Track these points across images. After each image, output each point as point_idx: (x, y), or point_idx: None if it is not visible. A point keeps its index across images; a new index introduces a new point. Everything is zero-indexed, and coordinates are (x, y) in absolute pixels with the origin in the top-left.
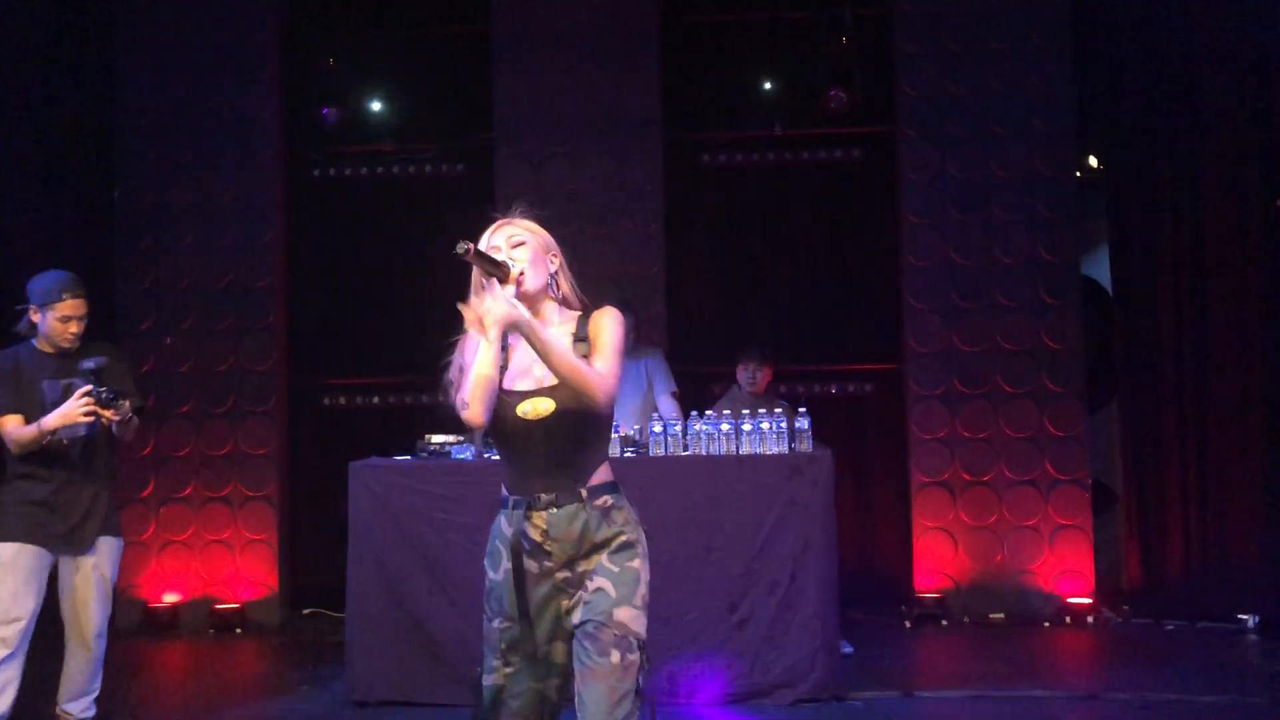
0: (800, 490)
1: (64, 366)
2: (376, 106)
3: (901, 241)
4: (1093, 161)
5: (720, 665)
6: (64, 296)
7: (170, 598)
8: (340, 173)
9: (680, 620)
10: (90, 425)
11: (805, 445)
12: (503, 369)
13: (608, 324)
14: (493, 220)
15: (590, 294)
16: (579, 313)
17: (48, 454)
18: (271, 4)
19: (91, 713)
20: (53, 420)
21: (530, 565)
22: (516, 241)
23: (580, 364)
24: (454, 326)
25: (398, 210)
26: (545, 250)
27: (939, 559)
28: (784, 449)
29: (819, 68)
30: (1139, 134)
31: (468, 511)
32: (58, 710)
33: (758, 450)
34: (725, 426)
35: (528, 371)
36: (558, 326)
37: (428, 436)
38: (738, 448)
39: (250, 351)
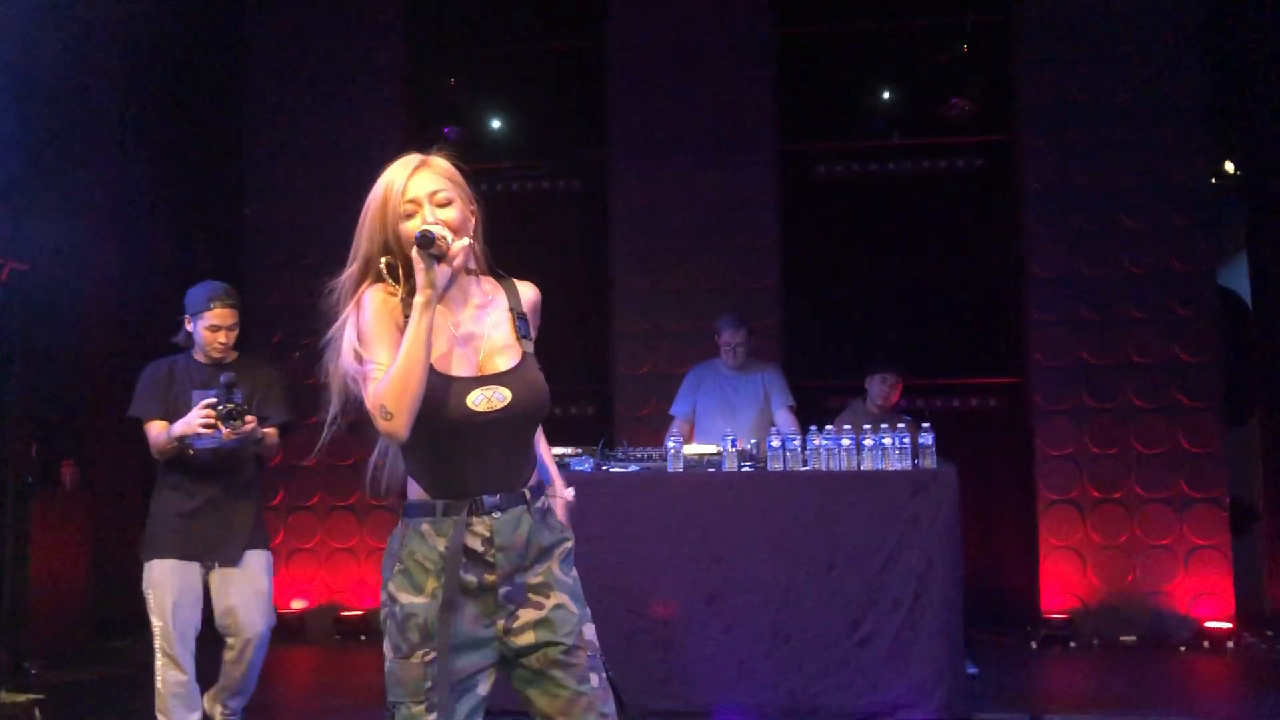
0: (924, 507)
1: (216, 377)
2: (495, 124)
3: (1025, 252)
4: (1229, 167)
5: (842, 684)
6: (212, 305)
7: (298, 604)
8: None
9: (800, 638)
10: (231, 439)
11: (929, 461)
12: None
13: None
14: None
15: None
16: (494, 280)
17: (191, 466)
18: (394, 26)
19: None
20: (177, 428)
21: (467, 581)
22: (443, 199)
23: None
24: (574, 337)
25: (515, 226)
26: (469, 207)
27: (1067, 579)
28: (907, 465)
29: (937, 76)
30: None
31: (587, 523)
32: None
33: (879, 466)
34: (845, 442)
35: (462, 349)
36: (482, 300)
37: None
38: (858, 463)
39: None
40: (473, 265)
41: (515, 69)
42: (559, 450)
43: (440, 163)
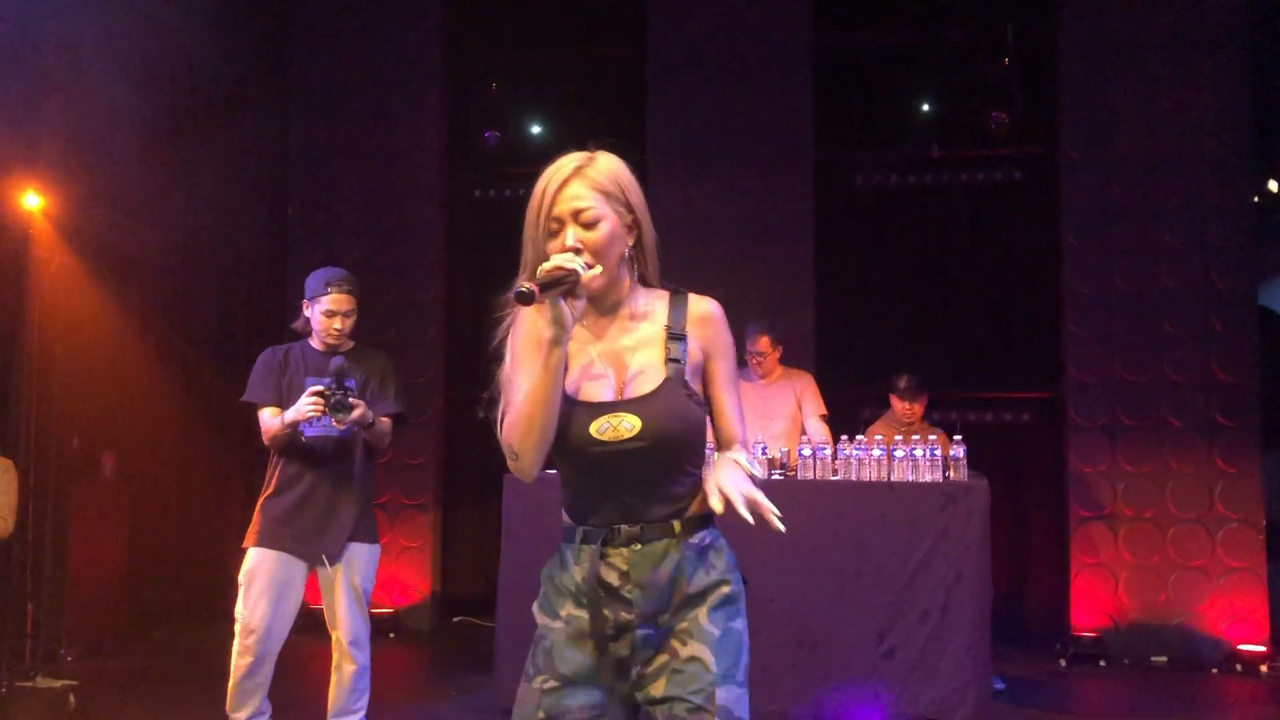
0: (954, 520)
1: (330, 365)
2: (535, 129)
3: (1063, 266)
4: (1273, 186)
5: (868, 694)
6: (329, 290)
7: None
8: (500, 193)
9: (826, 647)
10: (344, 429)
11: (960, 474)
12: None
13: (726, 334)
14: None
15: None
16: (665, 294)
17: (299, 454)
18: (435, 31)
19: None
20: (289, 414)
21: (606, 615)
22: (590, 218)
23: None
24: None
25: None
26: (624, 221)
27: (1098, 597)
28: (938, 477)
29: (978, 87)
30: None
31: None
32: None
33: (910, 478)
34: (876, 452)
35: (602, 372)
36: (636, 316)
37: None
38: (889, 474)
39: (411, 364)
40: (632, 276)
41: (556, 75)
42: None
43: (599, 168)
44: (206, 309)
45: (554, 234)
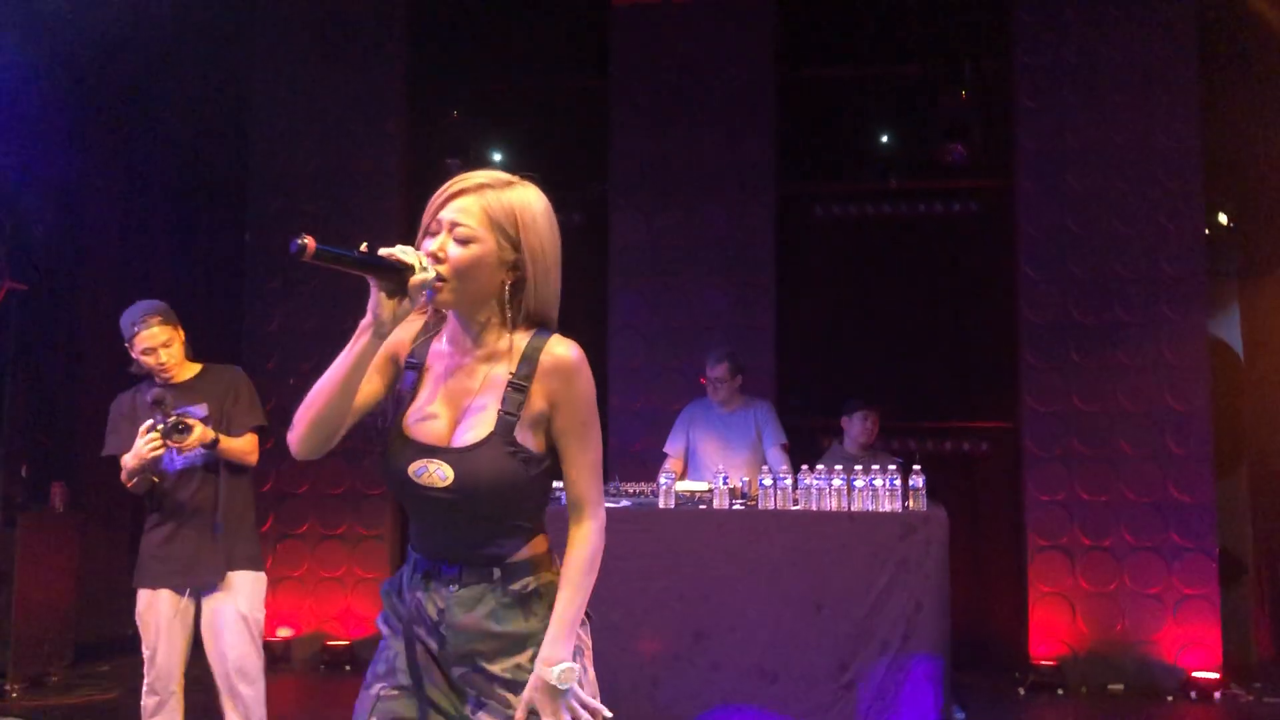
0: (913, 550)
1: (180, 398)
2: (496, 157)
3: (1019, 297)
4: (1223, 218)
5: None
6: (135, 330)
7: (284, 632)
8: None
9: (787, 677)
10: (200, 455)
11: (919, 504)
12: (408, 395)
13: (580, 386)
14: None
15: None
16: (524, 336)
17: (160, 492)
18: (397, 58)
19: None
20: (130, 459)
21: (429, 644)
22: (464, 235)
23: (587, 559)
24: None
25: None
26: (502, 256)
27: (1056, 626)
28: (897, 507)
29: (936, 120)
30: (1273, 189)
31: None
32: None
33: (870, 507)
34: (837, 482)
35: (437, 412)
36: (496, 367)
37: None
38: (849, 504)
39: None
40: (503, 318)
41: (518, 103)
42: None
43: (505, 196)
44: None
45: (430, 234)
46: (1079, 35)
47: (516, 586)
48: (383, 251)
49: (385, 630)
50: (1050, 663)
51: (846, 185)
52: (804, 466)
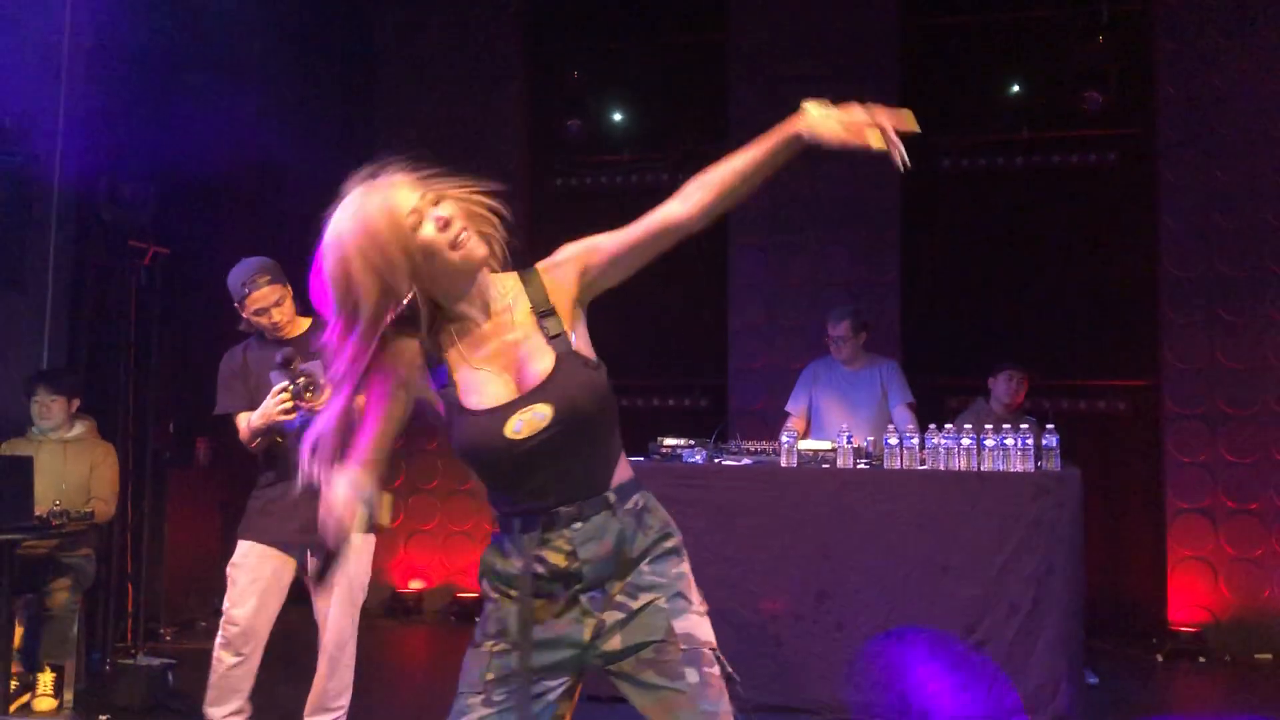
0: (1045, 511)
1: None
2: (616, 117)
3: (1160, 250)
4: None
5: (956, 687)
6: (246, 290)
7: (416, 584)
8: (581, 182)
9: (914, 638)
10: (307, 415)
11: (1052, 464)
12: (450, 388)
13: (572, 247)
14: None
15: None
16: (517, 275)
17: (278, 450)
18: (516, 20)
19: None
20: (256, 420)
21: (552, 595)
22: (433, 198)
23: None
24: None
25: (633, 218)
26: (464, 194)
27: (1197, 591)
28: (1029, 467)
29: (1071, 67)
30: None
31: (697, 515)
32: None
33: (1000, 468)
34: (965, 441)
35: (492, 375)
36: (503, 307)
37: (660, 439)
38: (979, 464)
39: None
40: (492, 265)
41: (637, 62)
42: (672, 441)
43: (397, 176)
44: (296, 293)
45: (415, 227)
46: None
47: (629, 505)
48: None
49: (493, 593)
50: (1191, 629)
51: (976, 137)
52: (932, 425)
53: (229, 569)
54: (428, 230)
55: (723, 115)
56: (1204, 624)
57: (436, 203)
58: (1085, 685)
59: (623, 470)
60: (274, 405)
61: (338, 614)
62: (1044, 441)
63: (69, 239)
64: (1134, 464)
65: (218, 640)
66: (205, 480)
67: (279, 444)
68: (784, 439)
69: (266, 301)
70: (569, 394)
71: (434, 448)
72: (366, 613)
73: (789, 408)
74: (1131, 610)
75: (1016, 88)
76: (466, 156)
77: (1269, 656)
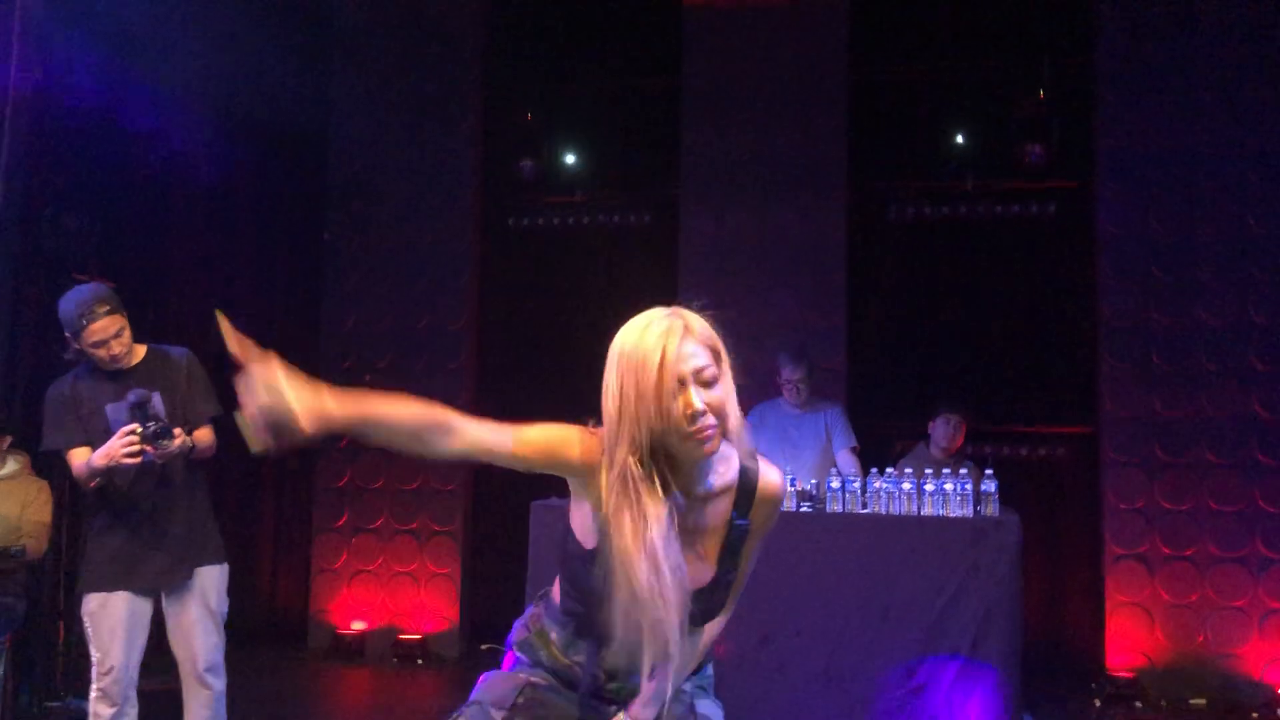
0: (984, 556)
1: (126, 386)
2: (570, 159)
3: (1099, 300)
4: None
5: None
6: (84, 323)
7: (358, 625)
8: (534, 222)
9: (854, 682)
10: (147, 455)
11: (991, 509)
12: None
13: (777, 516)
14: (675, 306)
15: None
16: (735, 462)
17: (112, 490)
18: (472, 60)
19: None
20: (98, 459)
21: (590, 691)
22: (710, 377)
23: (705, 642)
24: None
25: (584, 258)
26: (730, 374)
27: (1133, 637)
28: (968, 512)
29: (1014, 119)
30: None
31: None
32: None
33: (940, 512)
34: (906, 485)
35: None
36: (714, 489)
37: None
38: (919, 508)
39: (441, 390)
40: (729, 444)
41: (591, 104)
42: None
43: (700, 325)
44: (240, 333)
45: (675, 395)
46: (1164, 32)
47: (689, 686)
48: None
49: (527, 660)
50: (1128, 674)
51: (921, 185)
52: (874, 469)
53: (85, 618)
54: (679, 405)
55: (675, 158)
56: (1140, 668)
57: (709, 384)
58: None
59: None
60: (120, 447)
61: (202, 639)
62: (983, 486)
63: (8, 270)
64: (1073, 510)
65: (92, 697)
66: None
67: (115, 486)
68: None
69: (106, 334)
70: (704, 607)
71: (378, 486)
72: (309, 655)
73: None
74: (1070, 655)
75: (961, 138)
76: (419, 194)
77: (1203, 701)
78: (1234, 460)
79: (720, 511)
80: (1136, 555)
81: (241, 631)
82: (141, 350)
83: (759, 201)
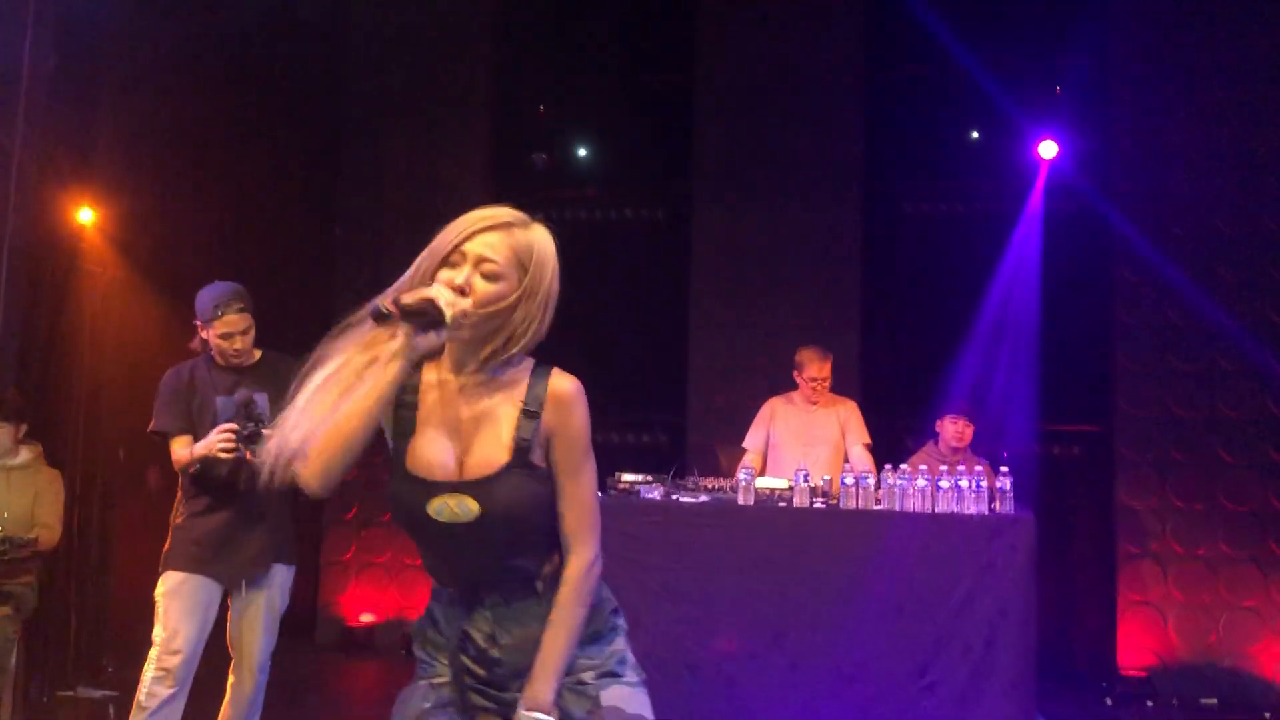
0: (999, 554)
1: (240, 382)
2: (581, 153)
3: (1115, 299)
4: None
5: None
6: (219, 313)
7: (366, 618)
8: (546, 216)
9: (866, 680)
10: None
11: (1006, 507)
12: (404, 432)
13: (578, 419)
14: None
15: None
16: (527, 366)
17: (215, 482)
18: (484, 55)
19: None
20: (199, 449)
21: (478, 672)
22: (490, 271)
23: (573, 595)
24: (650, 366)
25: (597, 254)
26: (514, 292)
27: (1146, 636)
28: (983, 509)
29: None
30: None
31: (653, 551)
32: None
33: (955, 509)
34: (921, 482)
35: (443, 445)
36: (497, 394)
37: (618, 474)
38: (933, 505)
39: None
40: (497, 346)
41: (604, 99)
42: (630, 477)
43: (526, 235)
44: (254, 327)
45: (452, 266)
46: (1176, 31)
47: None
48: (427, 293)
49: (425, 656)
50: (1139, 673)
51: (937, 182)
52: (887, 466)
53: (160, 598)
54: (446, 275)
55: (688, 155)
56: (1152, 668)
57: (489, 277)
58: None
59: (560, 558)
60: (218, 441)
61: (264, 636)
62: (998, 485)
63: (23, 257)
64: (1086, 508)
65: (151, 675)
66: (155, 509)
67: (212, 476)
68: (741, 476)
69: (235, 328)
70: (502, 500)
71: (388, 479)
72: (317, 647)
73: (746, 443)
74: (1082, 654)
75: (976, 136)
76: (430, 189)
77: (1214, 701)
78: (1248, 459)
79: (510, 399)
80: (1149, 554)
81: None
82: (257, 353)
83: (773, 198)
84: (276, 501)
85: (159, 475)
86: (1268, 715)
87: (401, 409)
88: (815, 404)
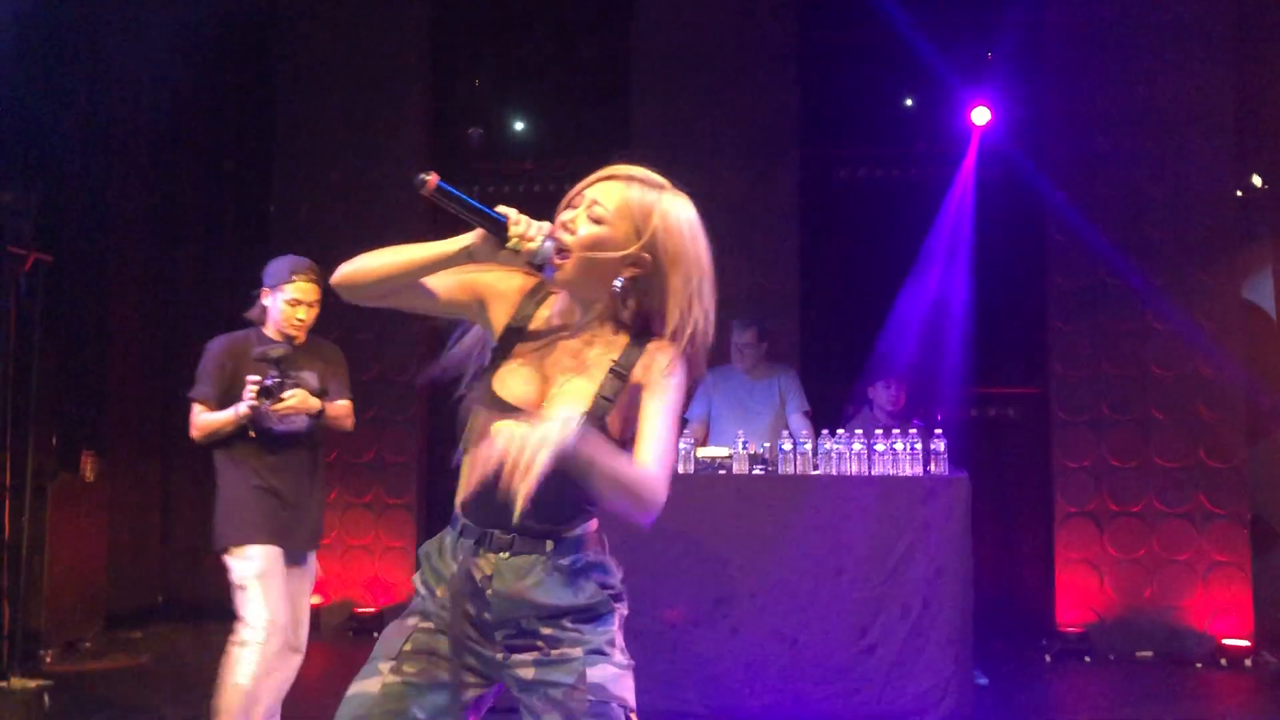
0: (935, 515)
1: (297, 360)
2: (519, 125)
3: (1048, 260)
4: (1257, 180)
5: (848, 690)
6: (293, 278)
7: (312, 600)
8: (484, 190)
9: (807, 643)
10: (291, 423)
11: (941, 469)
12: (501, 353)
13: (670, 386)
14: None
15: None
16: (635, 335)
17: (277, 451)
18: (419, 27)
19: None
20: (242, 409)
21: (470, 608)
22: (597, 215)
23: (623, 470)
24: None
25: None
26: (626, 249)
27: (1083, 592)
28: (919, 471)
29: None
30: None
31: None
32: None
33: (890, 472)
34: (857, 446)
35: (533, 379)
36: (594, 350)
37: None
38: (869, 468)
39: (391, 360)
40: (616, 311)
41: (540, 71)
42: None
43: (648, 194)
44: (188, 306)
45: (573, 207)
46: None
47: (566, 561)
48: (499, 208)
49: (423, 589)
50: (1077, 629)
51: (871, 148)
52: (824, 431)
53: (254, 575)
54: (566, 215)
55: (625, 122)
56: (1089, 624)
57: (594, 221)
58: (975, 686)
59: (583, 528)
60: (245, 393)
61: (304, 616)
62: (932, 446)
63: None
64: (1023, 469)
65: (257, 652)
66: (90, 496)
67: (253, 441)
68: (681, 446)
69: (304, 296)
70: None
71: (331, 459)
72: None
73: (688, 415)
74: (1021, 611)
75: (910, 101)
76: (367, 162)
77: (1150, 654)
78: (1179, 417)
79: (606, 357)
80: (1085, 513)
81: (193, 609)
82: (309, 337)
83: (710, 165)
84: (321, 488)
85: (93, 461)
86: (1199, 665)
87: (510, 332)
88: (751, 373)
